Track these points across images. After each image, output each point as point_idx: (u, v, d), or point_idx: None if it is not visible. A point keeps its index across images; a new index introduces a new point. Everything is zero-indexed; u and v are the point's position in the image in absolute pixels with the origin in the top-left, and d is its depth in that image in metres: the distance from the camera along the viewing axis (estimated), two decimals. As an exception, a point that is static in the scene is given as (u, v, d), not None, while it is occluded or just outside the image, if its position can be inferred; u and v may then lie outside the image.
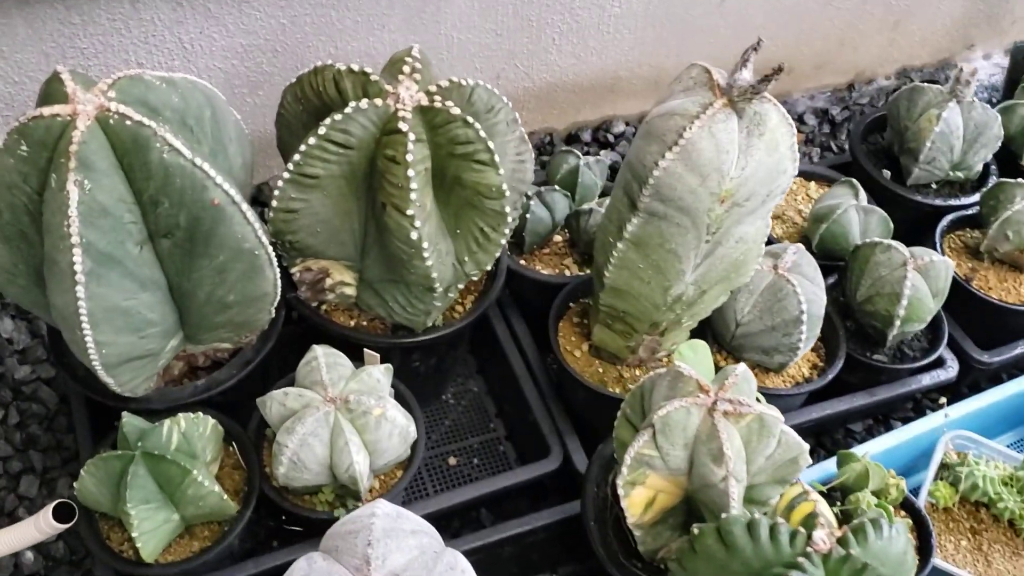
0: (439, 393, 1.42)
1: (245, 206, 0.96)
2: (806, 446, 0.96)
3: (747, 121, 0.99)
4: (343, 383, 1.07)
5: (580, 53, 1.70)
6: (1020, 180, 1.39)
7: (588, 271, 1.33)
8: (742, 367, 0.96)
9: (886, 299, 1.26)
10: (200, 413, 1.07)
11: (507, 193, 1.06)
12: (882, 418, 1.44)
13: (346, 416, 1.05)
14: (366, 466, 1.06)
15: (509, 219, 1.08)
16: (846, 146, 1.75)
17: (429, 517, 1.15)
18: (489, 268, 1.12)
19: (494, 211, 1.07)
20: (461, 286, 1.12)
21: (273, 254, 1.01)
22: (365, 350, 1.15)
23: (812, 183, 1.54)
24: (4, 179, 0.90)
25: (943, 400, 1.32)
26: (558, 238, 1.37)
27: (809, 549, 0.81)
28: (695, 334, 1.26)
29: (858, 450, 1.25)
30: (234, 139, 1.02)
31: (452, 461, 1.35)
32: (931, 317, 1.29)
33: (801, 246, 1.23)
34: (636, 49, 1.74)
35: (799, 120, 1.93)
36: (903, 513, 1.19)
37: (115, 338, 0.95)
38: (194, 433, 1.05)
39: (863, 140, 1.60)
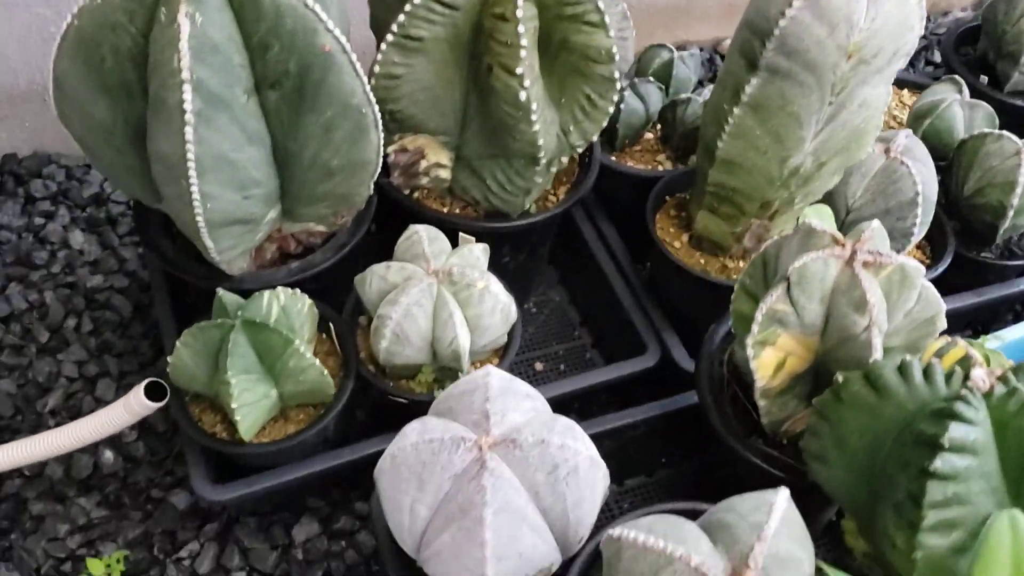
0: (521, 302, 1.37)
1: (354, 56, 0.92)
2: (943, 304, 0.91)
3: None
4: (444, 257, 1.03)
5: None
6: None
7: (682, 167, 1.29)
8: (876, 222, 0.91)
9: (999, 189, 1.21)
10: (298, 291, 1.03)
11: (617, 57, 1.02)
12: (982, 328, 1.38)
13: (449, 289, 1.00)
14: (468, 342, 1.02)
15: (617, 86, 1.03)
16: (936, 60, 1.70)
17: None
18: (595, 138, 1.07)
19: (602, 77, 1.03)
20: (565, 160, 1.08)
21: (379, 115, 0.97)
22: (460, 233, 1.10)
23: (905, 91, 1.49)
24: (108, 19, 0.87)
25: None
26: (649, 135, 1.33)
27: (972, 385, 0.76)
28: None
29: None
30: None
31: (539, 367, 1.30)
32: (1044, 211, 1.24)
33: (911, 131, 1.18)
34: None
35: (875, 49, 1.88)
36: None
37: (221, 192, 0.91)
38: (293, 308, 1.01)
39: (955, 52, 1.55)
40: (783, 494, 0.74)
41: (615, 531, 0.74)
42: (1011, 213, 1.20)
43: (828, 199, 1.18)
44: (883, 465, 0.77)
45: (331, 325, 1.08)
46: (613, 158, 1.29)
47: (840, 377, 0.82)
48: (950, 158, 1.29)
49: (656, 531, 0.72)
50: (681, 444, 1.19)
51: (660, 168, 1.29)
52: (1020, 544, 0.67)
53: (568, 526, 0.85)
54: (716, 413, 0.99)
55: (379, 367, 1.07)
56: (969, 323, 1.36)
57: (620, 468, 1.18)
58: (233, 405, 0.97)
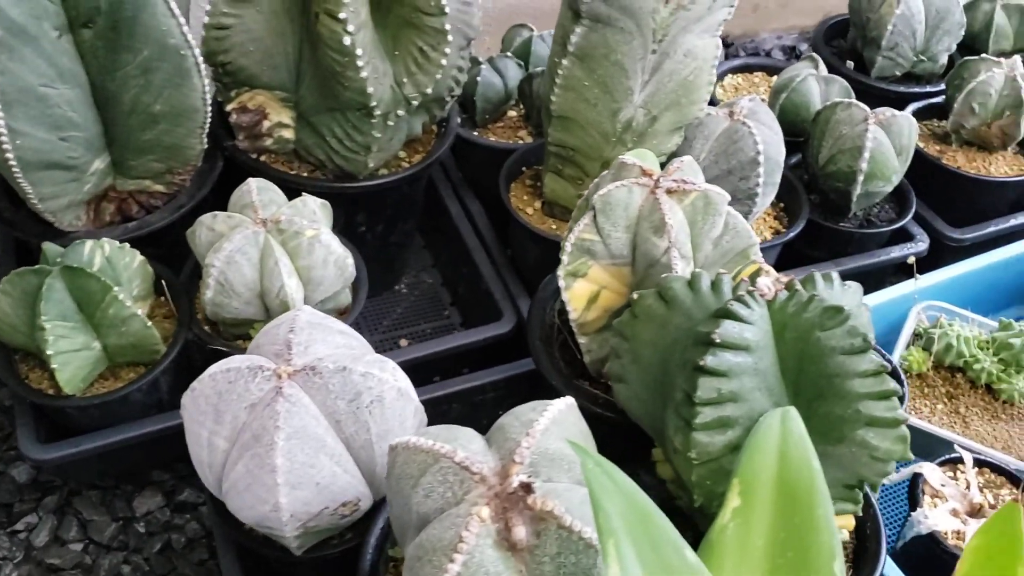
0: (392, 283, 1.36)
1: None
2: (756, 238, 0.91)
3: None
4: (275, 207, 1.02)
5: None
6: (985, 56, 1.36)
7: (541, 140, 1.29)
8: (688, 158, 0.92)
9: (848, 155, 1.22)
10: (127, 245, 1.02)
11: (447, 10, 1.03)
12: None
13: (277, 237, 0.99)
14: (299, 293, 1.01)
15: (449, 38, 1.04)
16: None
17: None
18: (428, 91, 1.07)
19: (434, 29, 1.04)
20: (401, 113, 1.08)
21: (201, 60, 0.98)
22: (304, 194, 1.10)
23: (775, 77, 1.51)
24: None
25: (912, 260, 1.26)
26: (512, 113, 1.34)
27: (752, 290, 0.75)
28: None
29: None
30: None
31: (403, 343, 1.29)
32: (896, 178, 1.25)
33: (756, 96, 1.20)
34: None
35: (767, 55, 1.92)
36: (872, 365, 1.13)
37: (31, 129, 0.91)
38: (119, 262, 1.00)
39: (826, 44, 1.59)
40: (564, 401, 0.73)
41: (394, 440, 0.72)
42: (861, 178, 1.21)
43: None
44: (671, 374, 0.76)
45: (165, 285, 1.07)
46: (475, 133, 1.30)
47: (636, 295, 0.81)
48: (808, 134, 1.30)
49: (430, 434, 0.70)
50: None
51: (521, 142, 1.30)
52: (788, 440, 0.66)
53: (375, 459, 0.83)
54: (544, 356, 0.98)
55: (214, 326, 1.05)
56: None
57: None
58: (49, 352, 0.94)
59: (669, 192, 0.87)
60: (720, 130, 1.16)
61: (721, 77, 1.50)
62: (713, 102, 1.42)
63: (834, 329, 0.71)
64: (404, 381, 0.85)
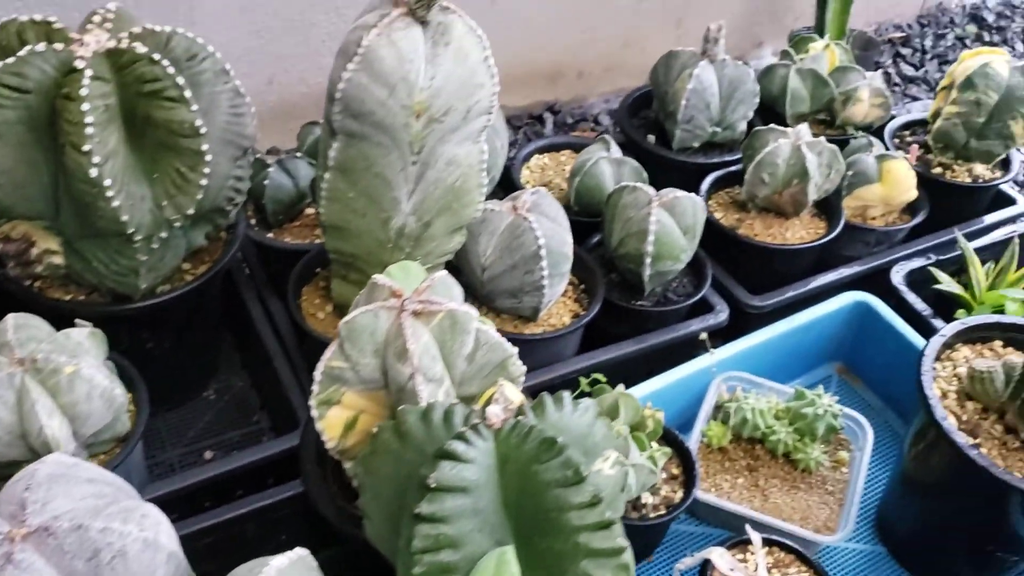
0: (199, 389, 1.33)
1: None
2: (513, 349, 0.91)
3: (432, 31, 0.97)
4: (35, 344, 0.99)
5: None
6: (773, 126, 1.41)
7: (339, 240, 1.29)
8: (441, 273, 0.92)
9: (635, 238, 1.24)
10: None
11: (203, 131, 1.02)
12: (653, 373, 1.40)
13: (35, 376, 0.96)
14: (64, 431, 0.97)
15: (207, 158, 1.03)
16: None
17: (171, 496, 1.07)
18: (190, 211, 1.05)
19: (191, 150, 1.02)
20: (165, 234, 1.06)
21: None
22: (76, 320, 1.07)
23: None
24: None
25: (704, 336, 1.28)
26: (310, 210, 1.33)
27: (477, 422, 0.75)
28: (447, 289, 1.22)
29: (635, 389, 1.21)
30: None
31: (208, 455, 1.26)
32: (685, 256, 1.27)
33: (542, 188, 1.21)
34: (414, 50, 1.74)
35: (595, 121, 1.95)
36: (667, 448, 1.15)
37: None
38: None
39: (633, 115, 1.62)
40: (290, 556, 0.72)
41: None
42: (648, 260, 1.23)
43: (463, 260, 1.19)
44: (405, 512, 0.75)
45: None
46: (270, 235, 1.28)
47: (375, 428, 0.80)
48: (604, 214, 1.32)
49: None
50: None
51: (317, 242, 1.29)
52: (504, 583, 0.66)
53: (124, 613, 0.80)
54: (316, 480, 0.96)
55: (-19, 468, 1.00)
56: (640, 367, 1.37)
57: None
58: None
59: (416, 314, 0.86)
60: (504, 225, 1.16)
61: (528, 158, 1.52)
62: (514, 187, 1.44)
63: (549, 462, 0.71)
64: (154, 530, 0.82)
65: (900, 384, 1.32)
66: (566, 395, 0.80)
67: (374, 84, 0.95)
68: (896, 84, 2.11)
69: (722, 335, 1.38)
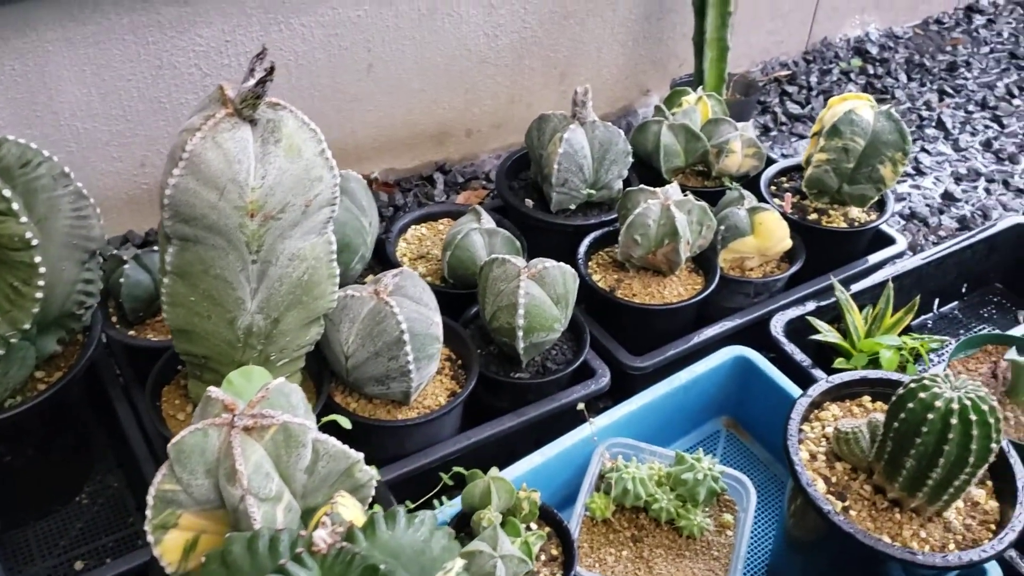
0: (72, 495, 1.28)
1: None
2: (358, 456, 0.89)
3: (261, 129, 0.95)
4: None
5: (232, 132, 1.67)
6: (643, 187, 1.41)
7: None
8: (278, 381, 0.89)
9: (506, 311, 1.22)
10: None
11: (34, 243, 0.98)
12: (537, 445, 1.39)
13: None
14: None
15: (41, 270, 0.99)
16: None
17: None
18: (27, 326, 1.02)
19: (23, 264, 0.99)
20: (1, 351, 1.02)
21: None
22: (-86, 445, 1.02)
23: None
24: None
25: (581, 406, 1.27)
26: (173, 305, 1.29)
27: (301, 551, 0.72)
28: (313, 374, 1.20)
29: (507, 472, 1.18)
30: None
31: (79, 565, 1.21)
32: (559, 325, 1.26)
33: (405, 268, 1.19)
34: (291, 123, 1.71)
35: (486, 178, 1.94)
36: (545, 526, 1.13)
37: None
38: None
39: (515, 177, 1.61)
40: None
41: None
42: (520, 333, 1.22)
43: (328, 349, 1.17)
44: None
45: None
46: (132, 333, 1.25)
47: (203, 558, 0.77)
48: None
49: None
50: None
51: (181, 337, 1.25)
52: None
53: None
54: (167, 603, 0.92)
55: None
56: (521, 442, 1.35)
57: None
58: None
59: (247, 430, 0.83)
60: (365, 311, 1.14)
61: (404, 229, 1.50)
62: (389, 261, 1.42)
63: (372, 590, 0.69)
64: None
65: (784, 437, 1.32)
66: (400, 512, 0.78)
67: (202, 188, 0.93)
68: (783, 123, 2.14)
69: (610, 396, 1.37)
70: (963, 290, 1.67)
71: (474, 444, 1.23)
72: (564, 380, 1.31)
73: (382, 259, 1.43)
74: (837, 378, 1.15)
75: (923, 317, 1.64)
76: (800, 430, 1.10)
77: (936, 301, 1.64)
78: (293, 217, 0.99)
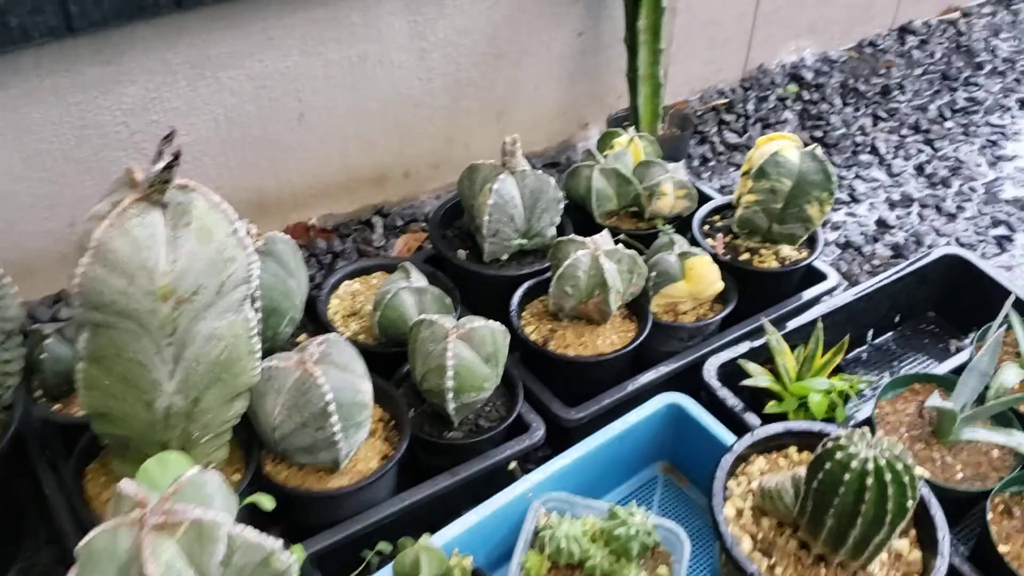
0: (2, 571, 1.26)
1: None
2: (275, 544, 0.88)
3: (171, 213, 0.95)
4: None
5: (163, 187, 1.65)
6: (573, 236, 1.41)
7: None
8: (192, 472, 0.88)
9: (435, 373, 1.22)
10: None
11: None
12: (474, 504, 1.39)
13: None
14: None
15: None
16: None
17: None
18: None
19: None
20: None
21: None
22: None
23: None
24: None
25: (513, 465, 1.27)
26: (99, 376, 1.27)
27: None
28: (244, 446, 1.19)
29: (442, 534, 1.18)
30: None
31: (7, 649, 1.19)
32: (490, 385, 1.26)
33: (331, 336, 1.18)
34: (224, 175, 1.70)
35: (425, 219, 1.94)
36: (478, 593, 1.13)
37: None
38: None
39: (449, 225, 1.61)
40: None
41: None
42: (451, 395, 1.22)
43: (255, 420, 1.16)
44: None
45: None
46: (57, 407, 1.23)
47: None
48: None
49: None
50: None
51: (107, 410, 1.24)
52: None
53: None
54: None
55: None
56: (458, 501, 1.35)
57: None
58: None
59: (159, 527, 0.82)
60: (290, 382, 1.13)
61: (336, 286, 1.49)
62: (320, 321, 1.41)
63: None
64: None
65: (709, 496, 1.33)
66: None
67: (111, 275, 0.92)
68: (720, 153, 2.16)
69: (548, 446, 1.37)
70: (896, 320, 1.69)
71: (409, 507, 1.23)
72: (498, 437, 1.31)
73: (314, 317, 1.42)
74: (762, 432, 1.16)
75: (858, 350, 1.66)
76: (725, 488, 1.11)
77: (870, 333, 1.67)
78: (207, 299, 0.98)
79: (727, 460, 1.12)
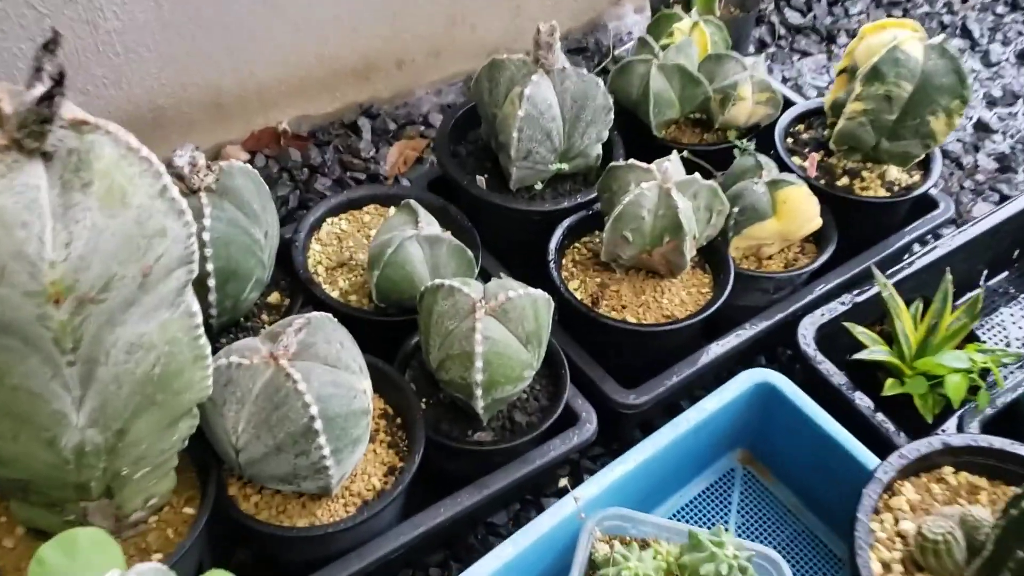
0: None
1: None
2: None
3: (60, 167, 0.60)
4: None
5: (90, 88, 1.28)
6: (633, 162, 1.06)
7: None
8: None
9: (458, 362, 0.90)
10: None
11: None
12: (532, 499, 1.09)
13: None
14: None
15: None
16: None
17: None
18: None
19: None
20: None
21: None
22: None
23: (392, 210, 1.17)
24: None
25: (564, 482, 0.97)
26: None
27: None
28: (198, 464, 0.87)
29: (478, 568, 0.89)
30: None
31: None
32: (529, 372, 0.93)
33: (315, 315, 0.85)
34: (168, 70, 1.32)
35: (424, 122, 1.58)
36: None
37: None
38: None
39: (458, 141, 1.25)
40: None
41: None
42: (479, 392, 0.90)
43: (213, 437, 0.84)
44: None
45: None
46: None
47: None
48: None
49: None
50: None
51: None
52: None
53: None
54: None
55: None
56: (488, 513, 1.05)
57: None
58: None
59: None
60: (258, 387, 0.80)
61: (317, 226, 1.13)
62: (296, 277, 1.07)
63: None
64: None
65: (817, 479, 1.04)
66: None
67: (-34, 272, 0.57)
68: (782, 36, 1.78)
69: (598, 439, 1.06)
70: (1015, 256, 1.37)
71: (423, 535, 0.93)
72: (538, 437, 0.99)
73: (289, 270, 1.07)
74: (912, 450, 0.85)
75: (969, 295, 1.34)
76: (870, 530, 0.81)
77: (984, 273, 1.35)
78: (125, 294, 0.64)
79: (872, 494, 0.81)
